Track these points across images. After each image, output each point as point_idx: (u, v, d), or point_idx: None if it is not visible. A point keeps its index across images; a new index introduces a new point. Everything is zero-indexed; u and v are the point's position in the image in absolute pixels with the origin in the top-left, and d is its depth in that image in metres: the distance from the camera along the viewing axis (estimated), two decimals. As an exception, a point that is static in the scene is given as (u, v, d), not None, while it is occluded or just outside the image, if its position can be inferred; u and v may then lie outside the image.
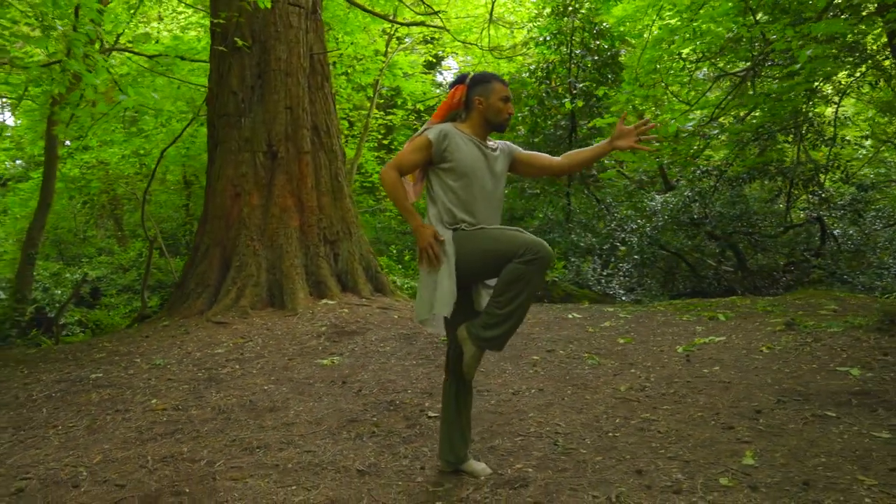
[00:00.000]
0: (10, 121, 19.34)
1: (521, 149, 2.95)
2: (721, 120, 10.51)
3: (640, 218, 10.78)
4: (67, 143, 11.28)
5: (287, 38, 7.26)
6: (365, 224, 14.40)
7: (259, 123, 7.24)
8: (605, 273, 9.94)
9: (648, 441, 3.07)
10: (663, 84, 8.10)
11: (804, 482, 2.49)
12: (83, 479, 3.09)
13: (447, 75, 19.88)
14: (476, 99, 2.74)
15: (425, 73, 15.55)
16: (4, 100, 14.39)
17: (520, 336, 5.57)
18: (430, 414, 3.70)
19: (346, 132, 12.75)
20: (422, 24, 9.43)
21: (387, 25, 11.24)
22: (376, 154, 13.06)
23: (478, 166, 2.68)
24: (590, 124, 9.32)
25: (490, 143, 2.79)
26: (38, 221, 7.20)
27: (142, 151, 11.07)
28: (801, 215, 11.53)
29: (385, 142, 12.98)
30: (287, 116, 7.29)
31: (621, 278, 10.08)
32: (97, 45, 8.33)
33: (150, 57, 8.54)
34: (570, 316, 6.60)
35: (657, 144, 2.56)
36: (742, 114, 9.89)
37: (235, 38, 6.96)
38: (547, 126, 11.33)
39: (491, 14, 9.32)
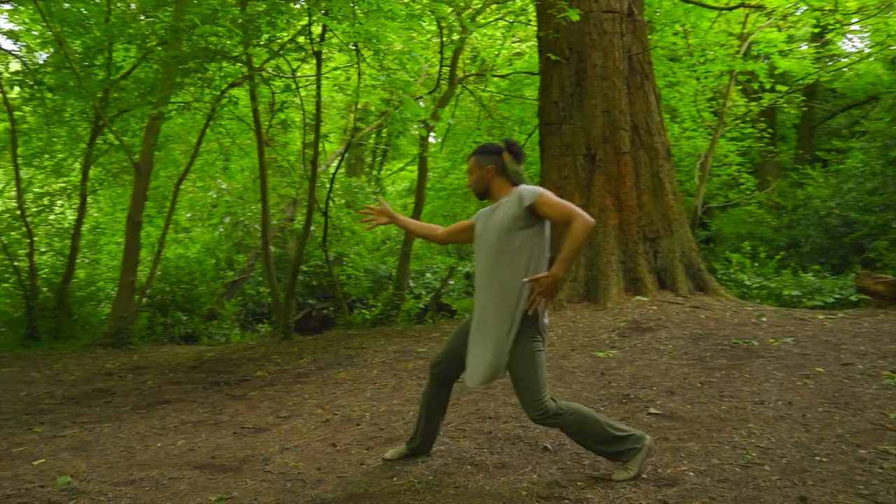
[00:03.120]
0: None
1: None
2: None
3: None
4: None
5: (602, 44, 7.60)
6: (728, 219, 13.53)
7: (578, 129, 7.75)
8: None
9: (855, 473, 2.68)
10: None
11: None
12: (364, 420, 4.14)
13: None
14: None
15: (806, 47, 13.80)
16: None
17: (823, 344, 4.93)
18: (653, 410, 3.77)
19: (707, 123, 12.22)
20: (741, 5, 8.55)
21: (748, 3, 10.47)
22: (739, 145, 12.14)
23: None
24: None
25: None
26: (411, 224, 9.09)
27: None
28: None
29: (747, 130, 11.97)
30: (604, 119, 7.63)
31: None
32: (461, 73, 9.95)
33: (505, 76, 9.77)
34: (924, 328, 5.44)
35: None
36: None
37: (548, 54, 7.61)
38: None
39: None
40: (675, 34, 10.33)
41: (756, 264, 10.16)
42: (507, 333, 2.77)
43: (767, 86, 10.37)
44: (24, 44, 11.74)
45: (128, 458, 3.61)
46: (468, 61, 14.39)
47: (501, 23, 12.29)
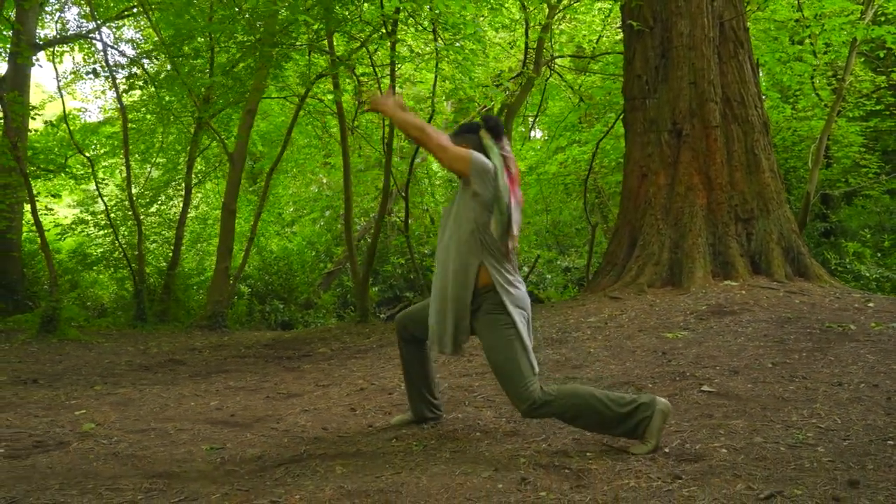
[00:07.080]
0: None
1: None
2: None
3: None
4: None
5: (689, 10, 7.00)
6: (854, 211, 12.17)
7: (663, 103, 7.20)
8: None
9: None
10: None
11: None
12: (398, 389, 3.96)
13: None
14: None
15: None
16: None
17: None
18: (705, 388, 3.33)
19: (826, 103, 11.05)
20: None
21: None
22: (864, 125, 10.84)
23: None
24: None
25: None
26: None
27: (607, 147, 12.06)
28: None
29: (872, 107, 10.61)
30: (691, 92, 7.04)
31: None
32: (547, 55, 9.60)
33: (582, 57, 9.33)
34: None
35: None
36: None
37: (630, 21, 7.12)
38: None
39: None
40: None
41: (879, 254, 9.08)
42: (462, 311, 2.61)
43: None
44: (144, 55, 12.56)
45: (157, 412, 3.65)
46: (561, 47, 13.93)
47: (597, 4, 11.77)
